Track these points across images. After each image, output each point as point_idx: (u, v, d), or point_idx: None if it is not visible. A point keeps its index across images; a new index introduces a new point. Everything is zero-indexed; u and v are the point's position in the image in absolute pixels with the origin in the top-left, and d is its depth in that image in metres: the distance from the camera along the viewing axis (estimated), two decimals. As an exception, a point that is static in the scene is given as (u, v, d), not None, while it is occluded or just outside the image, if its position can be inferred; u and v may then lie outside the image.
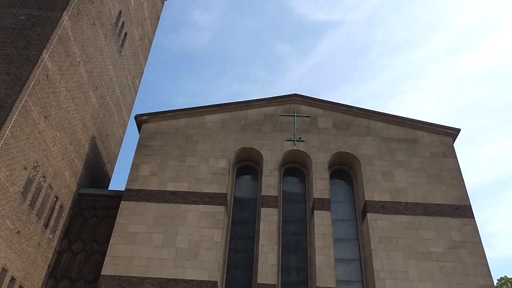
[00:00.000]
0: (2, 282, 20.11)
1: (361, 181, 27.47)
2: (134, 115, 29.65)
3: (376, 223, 25.34)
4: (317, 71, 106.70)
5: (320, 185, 27.33)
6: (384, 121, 30.08)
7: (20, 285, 21.59)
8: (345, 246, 26.24)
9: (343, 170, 29.45)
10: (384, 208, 25.97)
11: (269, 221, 26.09)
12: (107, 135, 32.77)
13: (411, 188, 26.81)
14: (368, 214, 25.71)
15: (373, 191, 26.67)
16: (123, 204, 25.86)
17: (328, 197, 26.79)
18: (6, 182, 19.92)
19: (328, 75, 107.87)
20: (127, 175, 26.94)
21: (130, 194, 26.29)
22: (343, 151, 28.70)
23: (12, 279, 20.99)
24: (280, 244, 26.19)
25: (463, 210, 25.97)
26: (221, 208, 25.88)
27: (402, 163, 28.00)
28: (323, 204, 26.53)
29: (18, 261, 21.35)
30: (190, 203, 26.01)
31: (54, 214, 24.87)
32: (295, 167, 29.59)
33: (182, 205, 25.93)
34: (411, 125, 29.85)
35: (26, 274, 22.08)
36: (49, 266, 24.48)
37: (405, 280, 23.31)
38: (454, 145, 29.13)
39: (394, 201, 26.27)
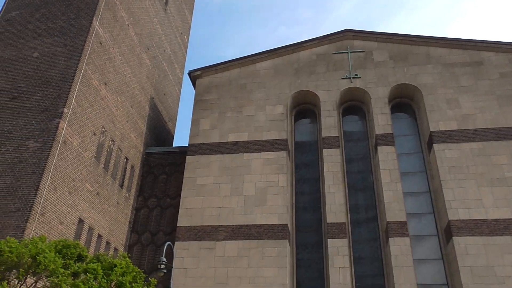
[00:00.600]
0: (91, 239, 21.87)
1: (424, 112, 26.50)
2: (187, 72, 30.03)
3: (444, 153, 24.57)
4: (366, 4, 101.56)
5: (382, 120, 26.70)
6: (445, 46, 28.37)
7: (107, 241, 23.41)
8: (412, 179, 25.81)
9: (404, 102, 28.46)
10: (451, 137, 25.03)
11: (332, 162, 26.09)
12: (164, 94, 33.57)
13: (479, 114, 25.51)
14: (434, 145, 24.93)
15: (438, 121, 25.69)
16: (188, 159, 26.83)
17: (391, 132, 26.18)
18: (79, 149, 21.19)
19: (377, 7, 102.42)
20: (189, 131, 27.77)
21: (194, 148, 27.16)
22: (402, 83, 27.60)
23: (99, 236, 22.77)
24: (346, 183, 26.24)
25: (539, 130, 24.47)
26: (283, 154, 26.15)
27: (468, 88, 26.55)
28: (387, 140, 26.01)
29: (102, 220, 23.04)
30: (252, 152, 26.48)
31: (127, 174, 26.32)
32: (353, 105, 28.98)
33: (244, 154, 26.46)
34: (475, 47, 27.96)
35: (110, 231, 23.85)
36: (129, 222, 26.25)
37: (480, 208, 22.71)
38: (525, 62, 27.08)
39: (462, 129, 25.20)
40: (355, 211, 25.54)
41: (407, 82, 27.50)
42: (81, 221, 21.23)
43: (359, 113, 28.85)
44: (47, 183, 18.61)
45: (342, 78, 28.38)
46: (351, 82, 28.17)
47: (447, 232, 23.01)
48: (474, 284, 20.91)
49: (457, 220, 22.57)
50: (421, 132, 27.04)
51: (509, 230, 21.98)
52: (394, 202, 24.06)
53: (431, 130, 25.48)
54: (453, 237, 22.24)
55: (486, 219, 22.43)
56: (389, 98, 27.55)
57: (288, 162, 26.48)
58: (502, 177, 23.33)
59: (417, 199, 25.17)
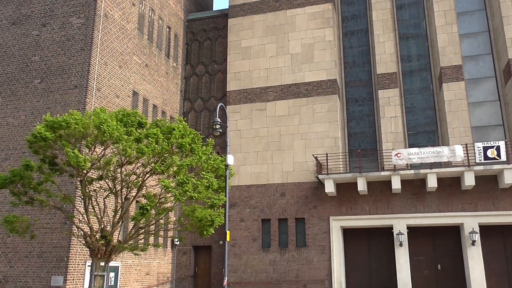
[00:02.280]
0: (147, 110, 22.96)
1: None
2: None
3: (507, -15, 22.25)
4: None
5: (436, -45, 24.09)
6: None
7: (162, 111, 24.51)
8: (470, 19, 24.01)
9: None
10: (516, -34, 22.36)
11: (381, 9, 24.56)
12: (197, -46, 31.57)
13: None
14: (496, -23, 22.53)
15: (502, -51, 22.80)
16: (231, 21, 26.17)
17: (446, -32, 23.76)
18: (121, 21, 21.10)
19: None
20: (227, -8, 26.55)
21: (235, 10, 26.28)
22: None
23: (154, 107, 23.81)
24: (397, 31, 24.94)
25: None
26: (329, 6, 24.78)
27: None
28: (441, -23, 23.73)
29: (154, 91, 23.83)
30: (295, 7, 25.28)
31: (171, 44, 26.32)
32: None
33: (288, 10, 25.36)
34: None
35: (164, 101, 24.79)
36: (180, 91, 27.01)
37: (544, 43, 21.17)
38: None
39: (530, -46, 22.34)
40: (407, 60, 24.66)
41: None
42: (135, 94, 22.08)
43: (411, -50, 26.04)
44: (97, 59, 19.07)
45: None
46: None
47: (506, 72, 21.96)
48: (532, 122, 20.51)
49: (517, 58, 21.34)
50: (482, -36, 24.31)
51: None
52: (449, 46, 22.86)
53: (493, -40, 22.84)
54: (512, 77, 21.30)
55: (551, 54, 21.03)
56: None
57: (334, 14, 25.20)
58: None
59: (475, 41, 23.70)
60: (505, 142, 19.81)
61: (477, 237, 20.05)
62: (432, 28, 23.92)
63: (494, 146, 19.62)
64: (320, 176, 21.67)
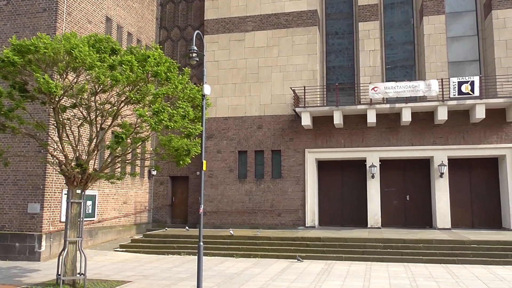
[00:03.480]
0: (122, 37, 22.15)
1: None
2: None
3: None
4: None
5: None
6: None
7: (137, 39, 23.70)
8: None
9: None
10: None
11: None
12: None
13: None
14: None
15: None
16: None
17: None
18: None
19: None
20: None
21: None
22: None
23: (129, 34, 22.96)
24: (380, -40, 24.15)
25: None
26: None
27: None
28: None
29: (129, 17, 22.87)
30: None
31: (146, -33, 24.93)
32: None
33: None
34: None
35: (139, 28, 23.90)
36: (156, 19, 26.01)
37: (527, -23, 20.91)
38: None
39: None
40: (389, -7, 24.10)
41: None
42: (108, 20, 21.16)
43: None
44: (66, -19, 17.97)
45: None
46: None
47: (487, 5, 21.79)
48: (507, 58, 20.72)
49: (499, -8, 21.11)
50: None
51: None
52: (432, -23, 22.36)
53: None
54: (492, 11, 21.16)
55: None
56: None
57: None
58: None
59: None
60: (479, 77, 20.06)
61: (445, 169, 20.85)
62: (417, -42, 23.24)
63: (469, 81, 19.87)
64: (297, 109, 21.76)
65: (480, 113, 19.80)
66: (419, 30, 23.04)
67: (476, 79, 19.85)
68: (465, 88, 19.82)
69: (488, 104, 19.93)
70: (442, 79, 20.49)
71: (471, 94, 19.84)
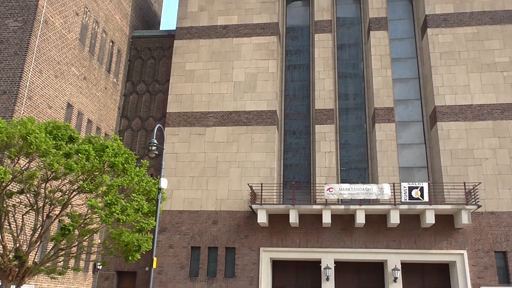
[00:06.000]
0: (81, 124, 22.00)
1: (421, -5, 25.41)
2: None
3: (437, 38, 24.07)
4: None
5: (377, 3, 25.67)
6: None
7: (97, 126, 23.60)
8: (403, 66, 25.62)
9: (402, -15, 27.11)
10: (446, 21, 24.32)
11: (323, 47, 25.55)
12: (148, -27, 31.43)
13: (478, -4, 24.55)
14: (428, 29, 24.31)
15: (434, 4, 24.76)
16: (177, 43, 26.04)
17: (385, 16, 25.37)
18: (62, 30, 20.30)
19: None
20: (176, 14, 26.47)
21: (182, 32, 26.23)
22: (401, -37, 26.01)
23: (89, 121, 22.88)
24: (336, 70, 26.02)
25: (536, 16, 23.81)
26: (274, 38, 25.42)
27: (469, -31, 25.15)
28: (380, 24, 25.26)
29: (91, 105, 22.95)
30: (242, 36, 25.68)
31: (114, 59, 25.65)
32: (348, -13, 27.56)
33: (234, 38, 25.69)
34: None
35: (100, 116, 23.91)
36: (119, 108, 26.23)
37: (466, 94, 22.97)
38: None
39: (458, 12, 24.42)
40: (344, 98, 25.70)
41: (406, -38, 25.91)
42: (70, 106, 21.14)
43: (354, -4, 27.56)
44: (32, 66, 18.10)
45: (338, -43, 26.56)
46: (347, -39, 26.42)
47: (432, 117, 23.49)
48: (453, 166, 21.93)
49: (443, 106, 22.95)
50: (416, 16, 26.21)
51: (491, 115, 22.51)
52: (383, 88, 24.16)
53: (426, 13, 24.66)
54: (438, 123, 22.78)
55: (471, 105, 22.83)
56: (386, -20, 26.15)
57: (278, 47, 25.86)
58: (492, 62, 23.26)
59: (406, 86, 25.25)
60: (428, 183, 20.96)
61: (399, 274, 20.79)
62: (369, 70, 25.21)
63: (418, 187, 20.69)
64: (253, 206, 21.66)
65: (430, 218, 20.37)
66: (372, 135, 24.31)
67: (425, 185, 20.71)
68: (415, 193, 20.57)
69: (437, 210, 20.62)
70: (394, 184, 21.24)
71: (421, 200, 20.54)
